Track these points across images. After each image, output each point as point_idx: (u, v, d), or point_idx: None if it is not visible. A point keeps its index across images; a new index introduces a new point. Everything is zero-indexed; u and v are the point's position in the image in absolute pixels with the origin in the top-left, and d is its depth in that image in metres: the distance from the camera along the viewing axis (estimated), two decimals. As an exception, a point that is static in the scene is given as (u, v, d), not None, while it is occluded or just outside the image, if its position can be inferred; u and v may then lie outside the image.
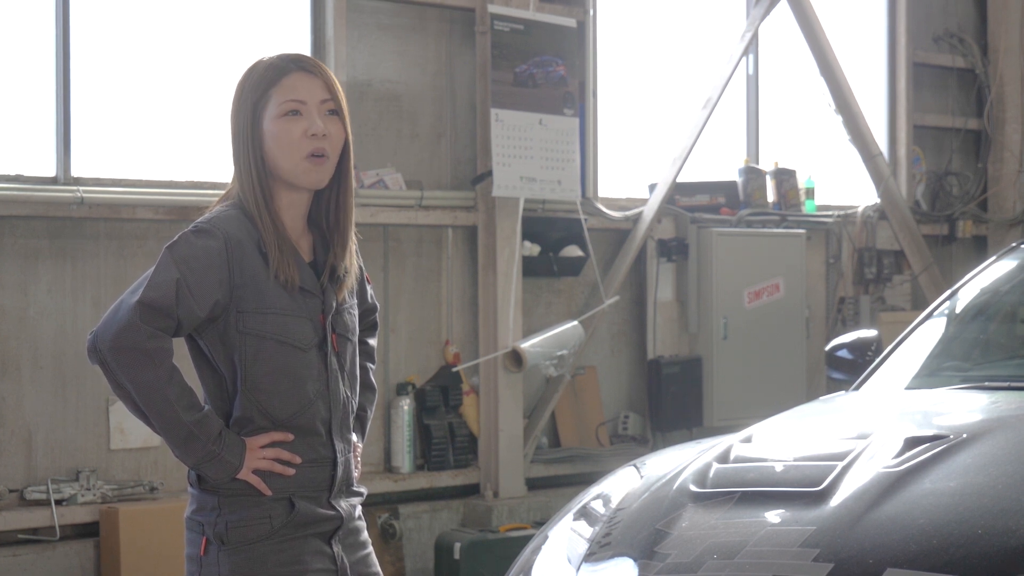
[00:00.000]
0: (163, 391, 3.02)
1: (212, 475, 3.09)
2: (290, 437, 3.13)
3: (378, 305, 3.52)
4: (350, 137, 3.21)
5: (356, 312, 3.31)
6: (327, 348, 3.18)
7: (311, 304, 3.16)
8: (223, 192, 3.23)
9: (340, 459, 3.21)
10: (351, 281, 3.25)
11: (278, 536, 3.11)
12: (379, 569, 3.33)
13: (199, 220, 3.12)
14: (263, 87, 3.14)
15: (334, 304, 3.20)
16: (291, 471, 3.12)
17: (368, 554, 3.29)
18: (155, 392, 3.02)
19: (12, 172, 6.33)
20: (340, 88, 3.21)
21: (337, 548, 3.20)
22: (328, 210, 3.22)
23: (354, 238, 3.26)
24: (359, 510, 3.30)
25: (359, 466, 3.34)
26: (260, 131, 3.13)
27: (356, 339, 3.29)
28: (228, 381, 3.13)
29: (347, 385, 3.24)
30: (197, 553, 3.13)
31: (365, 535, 3.31)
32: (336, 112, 3.17)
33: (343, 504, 3.22)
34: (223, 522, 3.10)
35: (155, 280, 3.03)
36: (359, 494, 3.30)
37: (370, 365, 3.47)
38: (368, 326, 3.48)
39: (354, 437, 3.31)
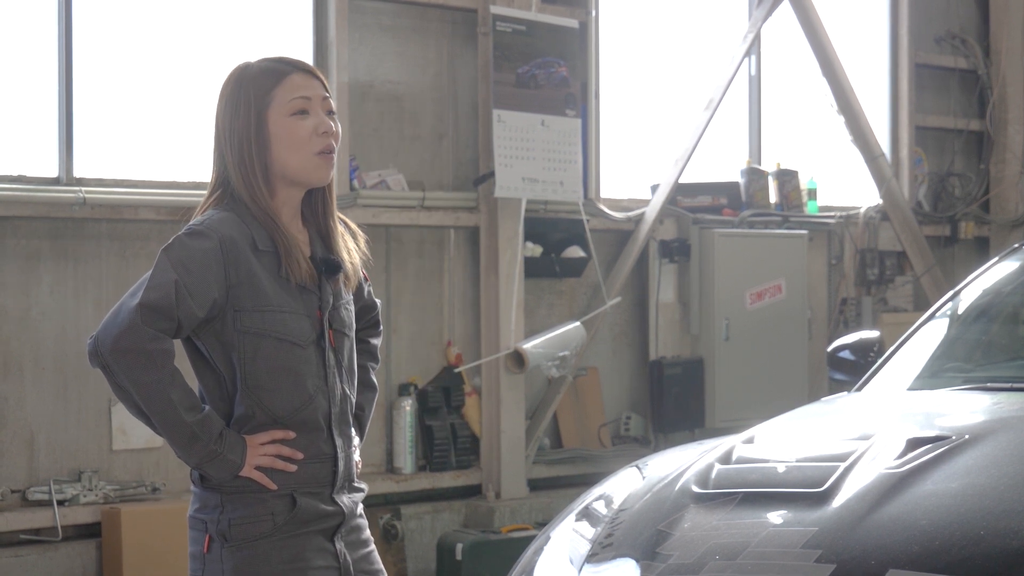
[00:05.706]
0: (165, 392, 3.03)
1: (215, 474, 3.10)
2: (291, 435, 3.14)
3: (378, 303, 3.52)
4: None
5: (352, 308, 3.32)
6: (324, 344, 3.19)
7: (309, 300, 3.18)
8: (206, 193, 3.23)
9: (341, 454, 3.22)
10: (348, 270, 3.27)
11: (281, 533, 3.12)
12: (382, 566, 3.33)
13: (192, 222, 3.14)
14: (265, 88, 3.16)
15: (331, 300, 3.21)
16: (293, 467, 3.13)
17: (370, 552, 3.30)
18: (157, 393, 3.03)
19: (14, 173, 6.33)
20: None
21: (340, 545, 3.21)
22: (316, 205, 3.27)
23: (340, 227, 3.30)
24: (361, 507, 3.31)
25: (359, 463, 3.35)
26: (267, 132, 3.15)
27: (353, 335, 3.30)
28: (227, 381, 3.14)
29: (345, 381, 3.25)
30: (201, 551, 3.14)
31: (367, 533, 3.32)
32: (332, 112, 3.23)
33: (345, 499, 3.23)
34: (226, 519, 3.11)
35: (154, 282, 3.04)
36: (360, 490, 3.31)
37: (372, 364, 3.48)
38: (369, 324, 3.48)
39: (353, 434, 3.32)
